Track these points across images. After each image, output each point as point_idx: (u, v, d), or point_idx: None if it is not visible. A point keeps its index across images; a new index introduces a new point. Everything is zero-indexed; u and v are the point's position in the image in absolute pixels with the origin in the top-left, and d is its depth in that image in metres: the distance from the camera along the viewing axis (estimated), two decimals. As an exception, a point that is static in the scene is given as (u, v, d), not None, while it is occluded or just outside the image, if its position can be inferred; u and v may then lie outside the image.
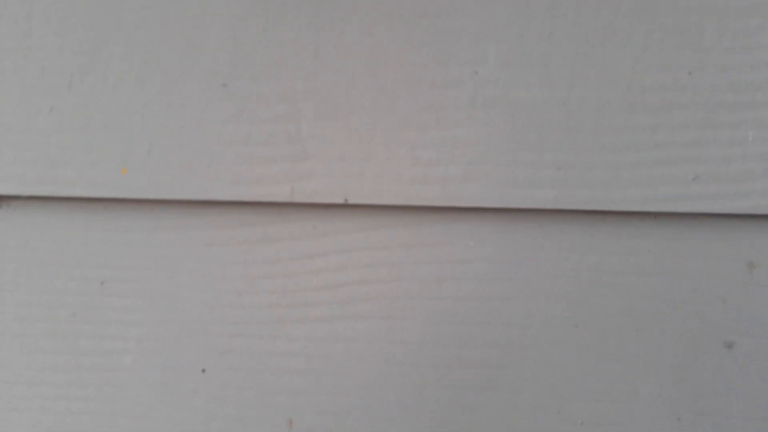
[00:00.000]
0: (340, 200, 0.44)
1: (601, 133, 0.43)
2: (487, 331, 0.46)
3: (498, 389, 0.46)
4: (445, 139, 0.44)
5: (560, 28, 0.43)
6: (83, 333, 0.48)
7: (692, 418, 0.46)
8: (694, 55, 0.42)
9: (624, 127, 0.43)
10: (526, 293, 0.46)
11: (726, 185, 0.43)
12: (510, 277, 0.46)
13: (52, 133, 0.45)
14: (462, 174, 0.44)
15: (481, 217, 0.46)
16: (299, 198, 0.45)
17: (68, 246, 0.47)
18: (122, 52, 0.45)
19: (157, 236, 0.47)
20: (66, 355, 0.48)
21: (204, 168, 0.45)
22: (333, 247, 0.47)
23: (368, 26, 0.44)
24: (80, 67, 0.45)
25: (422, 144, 0.44)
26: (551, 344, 0.46)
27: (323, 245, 0.47)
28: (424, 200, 0.44)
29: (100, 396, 0.48)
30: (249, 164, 0.44)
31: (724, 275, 0.45)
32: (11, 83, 0.45)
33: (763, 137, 0.43)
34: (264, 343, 0.47)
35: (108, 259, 0.47)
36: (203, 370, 0.48)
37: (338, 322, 0.47)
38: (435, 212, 0.46)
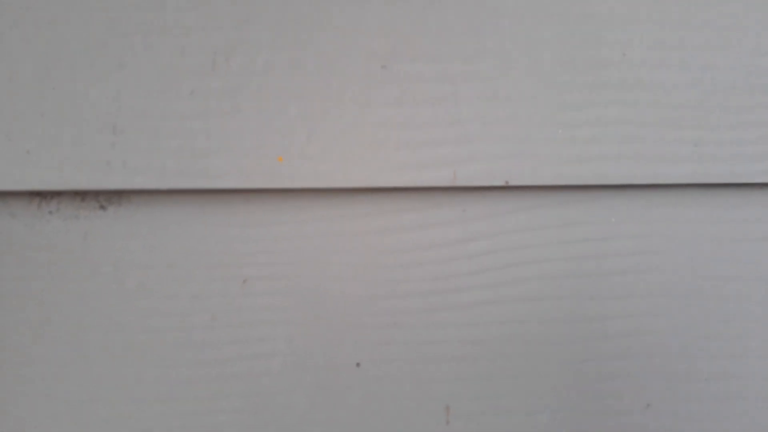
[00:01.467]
0: (501, 183, 0.45)
1: (729, 112, 0.47)
2: (630, 305, 0.48)
3: (636, 357, 0.49)
4: (598, 119, 0.46)
5: (694, 16, 0.46)
6: (225, 339, 0.44)
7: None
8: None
9: (748, 107, 0.47)
10: (666, 265, 0.49)
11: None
12: (652, 250, 0.48)
13: (194, 118, 0.41)
14: (617, 152, 0.46)
15: (622, 194, 0.48)
16: (461, 182, 0.44)
17: (204, 245, 0.43)
18: (272, 30, 0.42)
19: (307, 228, 0.44)
20: (206, 367, 0.43)
21: (367, 154, 0.43)
22: (483, 230, 0.46)
23: (523, 10, 0.44)
24: (231, 42, 0.41)
25: (578, 123, 0.45)
26: (688, 311, 0.49)
27: (473, 229, 0.46)
28: (580, 179, 0.45)
29: (248, 407, 0.44)
30: (412, 149, 0.43)
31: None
32: (146, 63, 0.40)
33: None
34: (418, 333, 0.46)
35: (251, 256, 0.44)
36: (358, 365, 0.45)
37: (491, 305, 0.47)
38: (577, 191, 0.47)
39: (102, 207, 0.42)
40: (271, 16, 0.41)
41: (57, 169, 0.39)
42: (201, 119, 0.41)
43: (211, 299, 0.43)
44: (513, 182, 0.45)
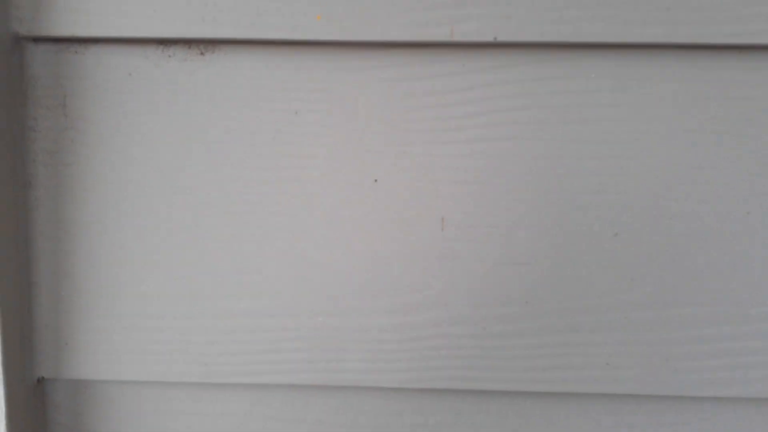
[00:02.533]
0: (490, 39, 0.57)
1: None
2: (602, 148, 0.59)
3: (606, 192, 0.59)
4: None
5: None
6: (282, 152, 0.61)
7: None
8: None
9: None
10: (636, 116, 0.58)
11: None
12: (624, 102, 0.58)
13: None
14: (591, 15, 0.56)
15: (601, 54, 0.58)
16: (457, 37, 0.57)
17: (267, 83, 0.60)
18: None
19: (341, 75, 0.60)
20: (267, 171, 0.62)
21: (384, 14, 0.57)
22: (478, 81, 0.59)
23: None
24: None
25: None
26: (656, 157, 0.58)
27: (470, 80, 0.59)
28: (560, 37, 0.56)
29: (295, 201, 0.62)
30: (418, 10, 0.57)
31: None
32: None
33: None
34: (423, 158, 0.60)
35: (301, 93, 0.60)
36: (375, 180, 0.61)
37: (482, 142, 0.60)
38: (563, 49, 0.58)
39: (201, 53, 0.61)
40: None
41: (172, 23, 0.59)
42: (265, -11, 0.58)
43: (273, 123, 0.61)
44: (500, 39, 0.57)
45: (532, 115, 0.59)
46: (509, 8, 0.56)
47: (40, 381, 0.66)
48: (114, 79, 0.61)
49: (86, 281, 0.64)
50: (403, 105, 0.60)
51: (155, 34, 0.58)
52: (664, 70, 0.57)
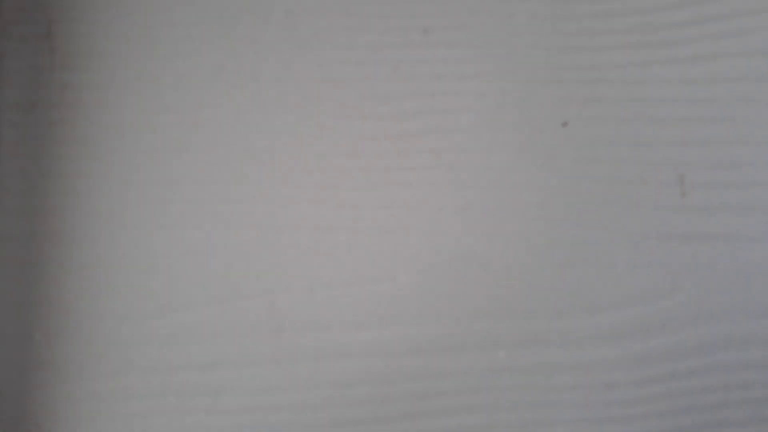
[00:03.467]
0: None
1: None
2: None
3: None
4: None
5: None
6: (408, 91, 0.38)
7: None
8: None
9: None
10: None
11: None
12: None
13: None
14: None
15: None
16: None
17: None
18: None
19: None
20: (389, 120, 0.38)
21: None
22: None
23: None
24: None
25: None
26: None
27: None
28: None
29: (439, 164, 0.38)
30: None
31: None
32: None
33: None
34: (624, 90, 0.38)
35: (430, 5, 0.39)
36: (564, 124, 0.38)
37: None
38: None
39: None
40: None
41: None
42: None
43: (393, 49, 0.39)
44: None
45: None
46: None
47: None
48: None
49: None
50: (583, 16, 0.38)
51: None
52: None
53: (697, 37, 0.39)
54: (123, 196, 0.36)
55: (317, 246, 0.37)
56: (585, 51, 0.38)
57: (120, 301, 0.36)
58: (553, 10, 0.38)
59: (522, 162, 0.38)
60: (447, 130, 0.38)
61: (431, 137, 0.38)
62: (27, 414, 0.35)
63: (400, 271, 0.37)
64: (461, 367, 0.37)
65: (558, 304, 0.37)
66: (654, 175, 0.38)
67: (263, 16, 0.38)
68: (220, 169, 0.37)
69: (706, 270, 0.37)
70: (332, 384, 0.36)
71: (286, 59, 0.38)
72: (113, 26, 0.38)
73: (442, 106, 0.38)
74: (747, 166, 0.38)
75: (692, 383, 0.37)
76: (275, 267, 0.37)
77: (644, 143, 0.38)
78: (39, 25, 0.38)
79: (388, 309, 0.37)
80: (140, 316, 0.36)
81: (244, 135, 0.37)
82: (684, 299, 0.37)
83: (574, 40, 0.38)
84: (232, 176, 0.37)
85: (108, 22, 0.38)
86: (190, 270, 0.36)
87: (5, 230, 0.36)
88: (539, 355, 0.37)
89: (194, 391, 0.36)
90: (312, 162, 0.37)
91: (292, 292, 0.37)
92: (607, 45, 0.38)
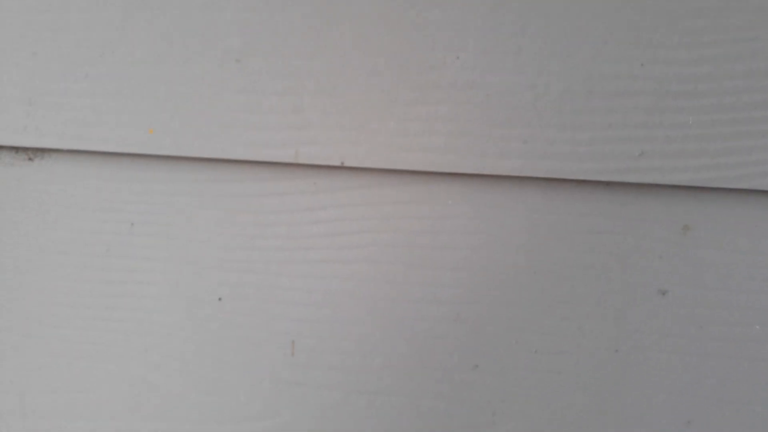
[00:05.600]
0: (337, 163, 0.52)
1: (563, 114, 0.51)
2: (458, 275, 0.55)
3: (465, 322, 0.56)
4: (428, 114, 0.51)
5: (532, 24, 0.50)
6: (116, 267, 0.57)
7: (628, 351, 0.55)
8: (645, 49, 0.49)
9: (583, 110, 0.51)
10: (492, 245, 0.54)
11: (667, 161, 0.51)
12: (480, 230, 0.54)
13: (87, 96, 0.52)
14: (445, 144, 0.51)
15: (460, 181, 0.54)
16: (302, 160, 0.52)
17: (102, 193, 0.55)
18: (147, 29, 0.51)
19: (178, 187, 0.55)
20: (102, 284, 0.57)
21: (220, 131, 0.52)
22: (330, 201, 0.55)
23: (361, 16, 0.50)
24: (110, 39, 0.52)
25: (409, 118, 0.51)
26: (511, 288, 0.55)
27: (322, 200, 0.55)
28: (412, 165, 0.52)
29: (132, 318, 0.57)
30: (261, 130, 0.52)
31: (662, 235, 0.54)
32: (52, 53, 0.52)
33: (701, 121, 0.50)
34: (271, 279, 0.56)
35: (137, 205, 0.56)
36: (219, 299, 0.57)
37: (334, 264, 0.56)
38: (419, 175, 0.54)
39: (29, 158, 0.56)
40: (147, 17, 0.52)
41: (-4, 129, 0.53)
42: (92, 97, 0.53)
43: (108, 235, 0.56)
44: (348, 163, 0.53)
45: (386, 238, 0.55)
46: (357, 133, 0.51)
47: None
48: (-68, 181, 0.55)
49: None
50: (249, 221, 0.55)
51: (-25, 141, 0.52)
52: (523, 201, 0.53)
53: None
54: None
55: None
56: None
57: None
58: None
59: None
60: (139, 296, 0.58)
61: (128, 299, 0.57)
62: None
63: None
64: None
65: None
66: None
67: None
68: None
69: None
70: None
71: (35, 235, 0.57)
72: None
73: (140, 278, 0.57)
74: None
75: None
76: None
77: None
78: None
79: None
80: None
81: None
82: None
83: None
84: None
85: None
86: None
87: None
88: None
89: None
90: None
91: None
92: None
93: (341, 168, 0.54)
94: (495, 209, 0.54)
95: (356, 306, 0.56)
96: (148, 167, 0.55)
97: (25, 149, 0.55)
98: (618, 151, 0.51)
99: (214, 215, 0.55)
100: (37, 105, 0.52)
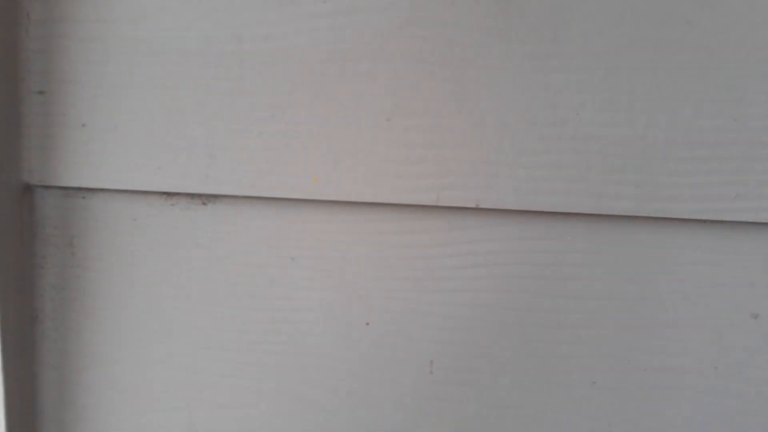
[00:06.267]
0: (472, 205, 0.62)
1: (668, 162, 0.60)
2: (577, 303, 0.64)
3: (584, 344, 0.64)
4: (553, 163, 0.61)
5: (641, 85, 0.60)
6: (278, 296, 0.66)
7: (726, 367, 0.63)
8: (737, 106, 0.59)
9: (685, 158, 0.60)
10: (607, 276, 0.63)
11: (759, 202, 0.60)
12: (596, 263, 0.63)
13: (260, 151, 0.62)
14: (567, 188, 0.61)
15: (579, 220, 0.63)
16: (443, 203, 0.62)
17: (266, 232, 0.65)
18: (311, 94, 0.61)
19: (334, 226, 0.64)
20: (265, 312, 0.66)
21: (373, 179, 0.62)
22: (463, 238, 0.64)
23: (494, 83, 0.60)
24: (280, 103, 0.62)
25: (536, 166, 0.61)
26: (624, 313, 0.63)
27: (456, 236, 0.64)
28: (538, 206, 0.61)
29: (291, 341, 0.66)
30: (408, 178, 0.62)
31: (754, 265, 0.62)
32: (230, 115, 0.62)
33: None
34: (412, 305, 0.65)
35: (296, 242, 0.65)
36: (367, 323, 0.66)
37: (467, 293, 0.64)
38: (543, 215, 0.63)
39: (203, 203, 0.65)
40: (309, 85, 0.62)
41: (177, 179, 0.63)
42: (263, 152, 0.63)
43: (271, 268, 0.66)
44: (482, 205, 0.62)
45: (512, 270, 0.63)
46: (490, 180, 0.60)
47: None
48: (119, 223, 0.65)
49: (86, 410, 0.67)
50: (393, 255, 0.64)
51: (160, 189, 0.62)
52: (634, 237, 0.62)
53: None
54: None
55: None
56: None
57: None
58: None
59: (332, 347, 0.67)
60: (297, 321, 0.67)
61: (288, 324, 0.67)
62: None
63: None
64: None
65: None
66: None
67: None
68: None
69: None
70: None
71: (205, 271, 0.66)
72: (111, 242, 0.66)
73: (299, 306, 0.66)
74: None
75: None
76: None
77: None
78: (66, 237, 0.66)
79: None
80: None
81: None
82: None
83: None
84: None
85: (107, 238, 0.66)
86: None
87: (45, 373, 0.68)
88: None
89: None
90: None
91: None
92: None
93: (475, 209, 0.63)
94: (609, 245, 0.63)
95: (487, 330, 0.64)
96: (308, 209, 0.64)
97: (200, 195, 0.64)
98: (716, 193, 0.60)
99: (363, 250, 0.64)
100: (216, 158, 0.62)
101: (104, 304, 0.66)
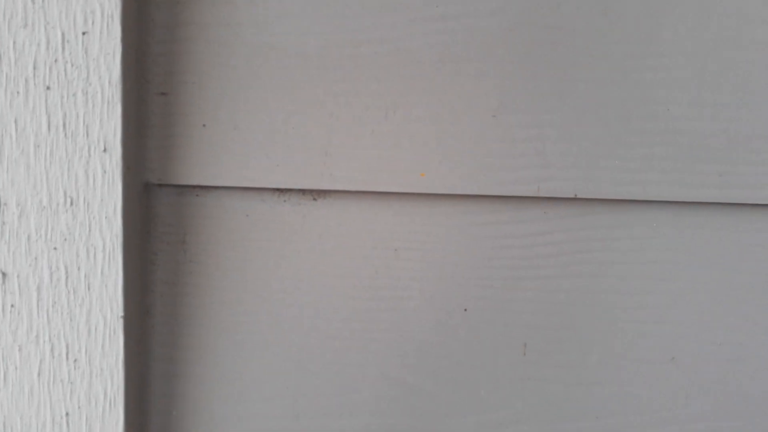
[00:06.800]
0: (571, 195, 0.67)
1: (750, 153, 0.66)
2: (663, 285, 0.69)
3: (665, 323, 0.69)
4: (645, 155, 0.66)
5: (726, 82, 0.66)
6: (382, 285, 0.70)
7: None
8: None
9: (765, 149, 0.66)
10: (691, 260, 0.69)
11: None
12: (681, 248, 0.69)
13: (372, 148, 0.66)
14: (658, 178, 0.66)
15: (665, 207, 0.68)
16: (543, 193, 0.67)
17: (372, 225, 0.69)
18: (421, 93, 0.66)
19: (436, 219, 0.69)
20: (370, 301, 0.70)
21: (479, 173, 0.66)
22: (557, 227, 0.69)
23: (593, 80, 0.66)
24: (393, 103, 0.66)
25: (631, 157, 0.66)
26: (704, 293, 0.69)
27: (550, 225, 0.69)
28: (629, 195, 0.67)
29: (393, 328, 0.70)
30: (510, 170, 0.66)
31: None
32: (345, 114, 0.66)
33: None
34: (507, 292, 0.70)
35: (400, 234, 0.69)
36: (465, 309, 0.70)
37: (560, 279, 0.69)
38: (633, 203, 0.68)
39: (314, 199, 0.69)
40: (422, 86, 0.66)
41: (292, 175, 0.67)
42: (376, 149, 0.67)
43: (375, 260, 0.70)
44: (580, 195, 0.67)
45: (604, 256, 0.69)
46: (588, 171, 0.66)
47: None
48: (231, 219, 0.68)
49: (197, 404, 0.70)
50: (490, 245, 0.69)
51: (274, 185, 0.66)
52: (718, 223, 0.68)
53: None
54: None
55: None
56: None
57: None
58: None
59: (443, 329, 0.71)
60: (399, 310, 0.71)
61: (391, 313, 0.71)
62: None
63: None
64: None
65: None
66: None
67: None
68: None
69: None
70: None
71: (316, 261, 0.70)
72: (223, 238, 0.69)
73: (401, 295, 0.70)
74: None
75: None
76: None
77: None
78: (178, 234, 0.69)
79: None
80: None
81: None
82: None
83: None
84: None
85: (219, 235, 0.69)
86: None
87: (156, 366, 0.70)
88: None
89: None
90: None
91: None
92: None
93: (572, 199, 0.68)
94: (693, 230, 0.68)
95: (578, 313, 0.69)
96: (412, 202, 0.68)
97: (311, 191, 0.68)
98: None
99: (458, 241, 0.69)
100: (332, 156, 0.66)
101: (214, 299, 0.69)
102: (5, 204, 0.59)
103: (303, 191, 0.68)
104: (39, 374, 0.63)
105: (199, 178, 0.65)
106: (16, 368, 0.63)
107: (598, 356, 0.70)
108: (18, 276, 0.61)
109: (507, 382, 0.71)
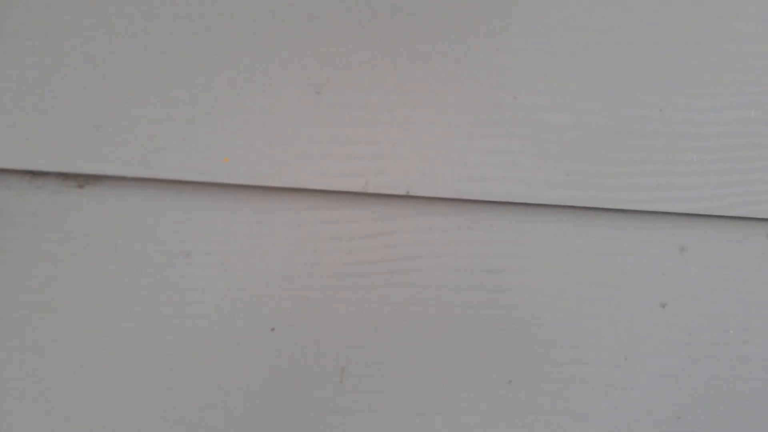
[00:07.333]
0: (403, 192, 0.56)
1: (598, 151, 0.59)
2: (501, 297, 0.60)
3: (506, 340, 0.61)
4: (487, 148, 0.57)
5: (574, 70, 0.58)
6: (168, 298, 0.55)
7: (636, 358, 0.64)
8: (664, 97, 0.59)
9: (615, 148, 0.59)
10: (533, 267, 0.61)
11: (678, 192, 0.60)
12: (523, 254, 0.60)
13: (161, 122, 0.52)
14: (500, 175, 0.57)
15: (504, 209, 0.59)
16: (372, 189, 0.56)
17: (155, 222, 0.54)
18: (230, 58, 0.52)
19: (238, 216, 0.56)
20: (150, 320, 0.55)
21: (296, 161, 0.54)
22: (386, 228, 0.58)
23: (441, 61, 0.55)
24: (191, 67, 0.52)
25: (469, 151, 0.57)
26: (541, 301, 0.61)
27: (379, 227, 0.58)
28: (470, 195, 0.57)
29: (179, 355, 0.56)
30: (334, 160, 0.55)
31: (662, 255, 0.63)
32: (125, 76, 0.51)
33: (702, 159, 0.61)
34: (324, 307, 0.58)
35: (193, 234, 0.55)
36: (272, 329, 0.57)
37: (387, 288, 0.59)
38: (469, 203, 0.59)
39: (80, 186, 0.53)
40: (231, 46, 0.52)
41: (47, 154, 0.50)
42: (163, 124, 0.52)
43: (161, 265, 0.55)
44: (412, 193, 0.56)
45: (438, 263, 0.59)
46: (424, 165, 0.55)
47: None
48: (-39, 210, 0.50)
49: None
50: (307, 248, 0.57)
51: (24, 167, 0.49)
52: (561, 227, 0.60)
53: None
54: None
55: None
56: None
57: None
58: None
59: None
60: (187, 330, 0.56)
61: (177, 334, 0.55)
62: None
63: None
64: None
65: None
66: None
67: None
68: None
69: None
70: None
71: (78, 265, 0.53)
72: None
73: (190, 312, 0.56)
74: None
75: None
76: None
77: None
78: None
79: None
80: None
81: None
82: None
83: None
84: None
85: None
86: None
87: None
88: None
89: None
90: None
91: None
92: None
93: (404, 197, 0.57)
94: (534, 235, 0.60)
95: (408, 329, 0.59)
96: (210, 195, 0.54)
97: (75, 176, 0.52)
98: (639, 184, 0.60)
99: (272, 244, 0.56)
100: (104, 130, 0.51)
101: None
102: None
103: (65, 175, 0.51)
104: None
105: None
106: None
107: (430, 381, 0.60)
108: None
109: (319, 416, 0.58)
